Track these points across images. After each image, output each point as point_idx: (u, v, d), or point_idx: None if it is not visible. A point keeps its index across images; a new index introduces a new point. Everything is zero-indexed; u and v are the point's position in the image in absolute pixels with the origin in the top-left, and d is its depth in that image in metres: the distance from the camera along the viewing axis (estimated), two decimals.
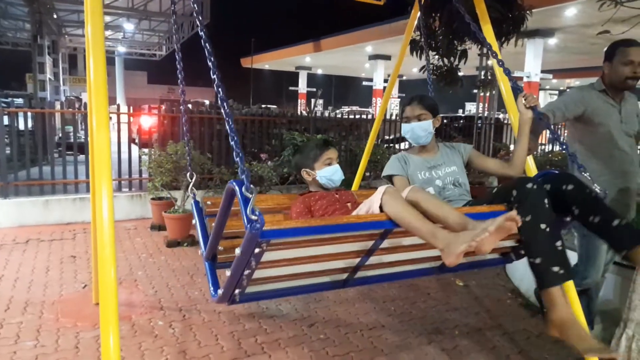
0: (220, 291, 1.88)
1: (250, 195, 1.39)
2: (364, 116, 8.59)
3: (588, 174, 2.23)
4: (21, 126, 5.89)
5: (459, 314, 3.56)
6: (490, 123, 9.77)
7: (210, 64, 1.73)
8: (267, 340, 3.04)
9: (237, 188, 1.42)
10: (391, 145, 8.54)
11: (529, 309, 3.68)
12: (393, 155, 2.59)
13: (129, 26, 17.79)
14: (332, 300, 3.70)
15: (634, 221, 3.08)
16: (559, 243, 1.88)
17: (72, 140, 6.61)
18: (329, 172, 2.28)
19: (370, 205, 1.83)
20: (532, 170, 2.63)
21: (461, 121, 11.32)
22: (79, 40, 20.06)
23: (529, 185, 1.86)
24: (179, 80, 2.56)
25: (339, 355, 2.90)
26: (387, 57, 23.99)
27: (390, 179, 2.52)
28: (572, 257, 3.00)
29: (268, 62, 33.93)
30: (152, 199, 5.57)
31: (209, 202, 2.24)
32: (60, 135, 6.67)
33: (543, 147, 10.95)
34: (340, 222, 1.68)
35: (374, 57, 24.46)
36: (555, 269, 1.82)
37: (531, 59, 16.76)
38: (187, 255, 4.64)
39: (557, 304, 1.81)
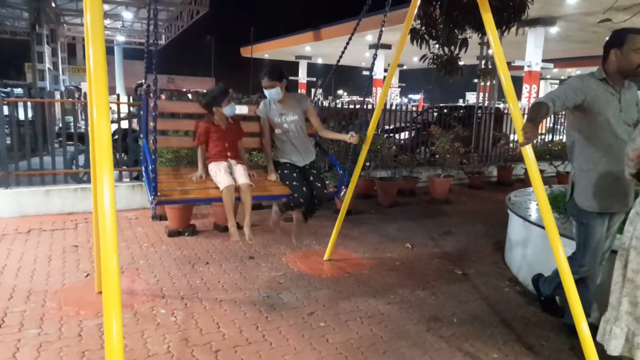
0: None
1: (152, 202, 3.01)
2: (364, 106, 8.55)
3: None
4: (21, 116, 5.89)
5: (457, 302, 3.60)
6: (490, 112, 9.75)
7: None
8: (267, 327, 3.08)
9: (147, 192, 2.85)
10: (391, 135, 8.53)
11: (527, 296, 3.72)
12: (264, 100, 3.72)
13: (127, 15, 17.67)
14: (332, 289, 3.74)
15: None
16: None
17: (72, 130, 6.60)
18: (228, 110, 3.46)
19: (220, 182, 3.29)
20: (530, 158, 2.64)
21: (461, 111, 11.29)
22: (78, 29, 19.94)
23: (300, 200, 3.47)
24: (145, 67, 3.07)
25: (339, 342, 2.93)
26: (387, 47, 23.84)
27: (259, 117, 3.72)
28: (571, 245, 3.03)
29: (268, 51, 33.73)
30: None
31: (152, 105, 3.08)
32: (60, 125, 6.66)
33: (543, 136, 10.94)
34: (200, 197, 3.37)
35: (374, 46, 24.27)
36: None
37: (532, 47, 16.65)
38: (188, 245, 4.67)
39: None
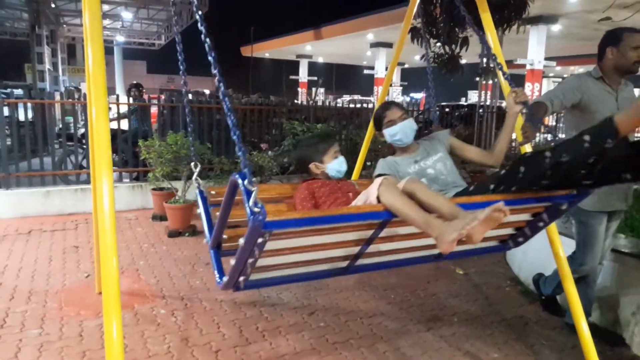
0: (225, 278, 1.93)
1: (253, 188, 1.44)
2: (364, 105, 8.57)
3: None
4: (21, 117, 5.89)
5: (457, 301, 3.60)
6: (492, 111, 9.74)
7: (211, 58, 1.72)
8: (268, 327, 3.08)
9: (240, 181, 1.46)
10: None
11: (528, 296, 3.71)
12: (381, 159, 2.56)
13: (127, 15, 17.66)
14: (332, 289, 3.73)
15: (632, 208, 3.10)
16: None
17: (72, 130, 6.61)
18: (338, 164, 2.38)
19: (367, 196, 1.89)
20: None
21: (463, 109, 11.28)
22: (78, 29, 19.94)
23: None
24: (180, 72, 2.55)
25: (339, 342, 2.93)
26: (388, 45, 23.83)
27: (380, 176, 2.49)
28: (570, 244, 3.02)
29: (268, 50, 33.71)
30: (153, 189, 5.59)
31: (212, 192, 2.30)
32: (60, 126, 6.67)
33: (544, 135, 10.92)
34: (339, 212, 1.75)
35: (376, 44, 24.28)
36: None
37: (534, 45, 16.60)
38: (188, 245, 4.67)
39: None
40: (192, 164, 2.56)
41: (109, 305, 1.70)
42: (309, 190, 2.27)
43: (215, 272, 2.07)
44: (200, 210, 2.27)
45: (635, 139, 1.75)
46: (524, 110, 2.42)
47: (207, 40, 1.76)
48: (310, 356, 2.76)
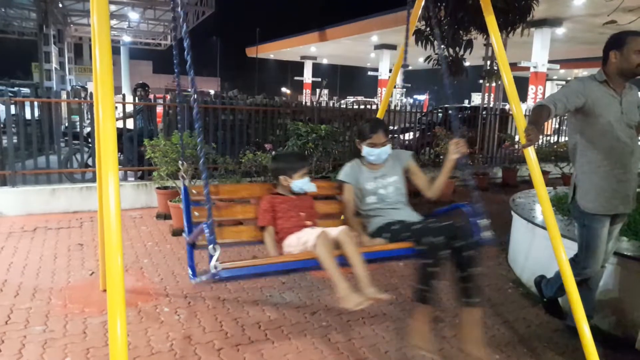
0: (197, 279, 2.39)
1: (215, 253, 2.02)
2: (368, 106, 8.59)
3: None
4: (28, 116, 5.94)
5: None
6: (495, 114, 9.73)
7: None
8: (270, 327, 3.10)
9: (209, 243, 2.05)
10: (395, 136, 8.53)
11: (530, 298, 3.71)
12: (348, 164, 2.95)
13: (133, 15, 17.75)
14: (334, 289, 3.74)
15: (635, 211, 3.10)
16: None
17: (78, 129, 6.65)
18: (302, 184, 2.72)
19: (307, 240, 2.40)
20: (532, 160, 2.64)
21: (467, 112, 11.26)
22: (85, 29, 20.05)
23: (432, 240, 2.45)
24: (188, 74, 2.59)
25: (341, 342, 2.95)
26: (392, 47, 23.86)
27: (341, 183, 2.93)
28: (573, 247, 3.03)
29: (273, 51, 33.80)
30: (158, 188, 5.62)
31: (194, 191, 2.64)
32: (66, 124, 6.71)
33: (548, 138, 10.90)
34: (279, 260, 2.33)
35: (380, 46, 24.31)
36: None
37: (538, 49, 16.60)
38: (199, 245, 4.69)
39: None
40: (180, 162, 2.84)
41: (114, 303, 1.71)
42: (270, 204, 2.67)
43: (189, 269, 2.50)
44: (183, 207, 2.62)
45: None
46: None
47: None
48: (312, 355, 2.78)
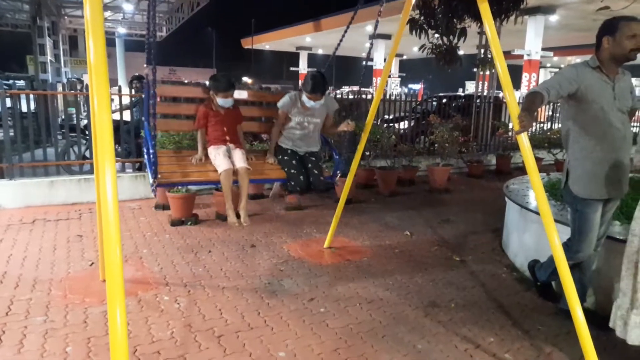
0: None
1: (152, 184, 3.15)
2: (363, 96, 8.59)
3: None
4: (24, 109, 5.94)
5: (455, 288, 3.66)
6: (489, 102, 9.75)
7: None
8: (269, 313, 3.14)
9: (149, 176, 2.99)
10: (391, 125, 8.55)
11: (524, 283, 3.77)
12: (289, 93, 3.75)
13: (128, 7, 17.62)
14: (332, 276, 3.80)
15: (627, 196, 3.15)
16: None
17: (74, 122, 6.63)
18: (222, 102, 3.54)
19: (219, 165, 3.42)
20: (525, 146, 2.67)
21: (461, 100, 11.28)
22: (79, 21, 19.90)
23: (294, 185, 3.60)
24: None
25: (339, 327, 3.00)
26: (387, 37, 23.74)
27: (279, 108, 3.75)
28: (566, 231, 3.07)
29: (268, 42, 33.59)
30: None
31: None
32: (63, 117, 6.71)
33: (541, 125, 10.94)
34: (195, 180, 3.49)
35: (374, 36, 24.16)
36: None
37: (532, 36, 16.55)
38: (190, 234, 4.74)
39: None
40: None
41: (113, 293, 1.73)
42: (204, 113, 3.57)
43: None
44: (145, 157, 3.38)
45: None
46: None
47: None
48: (310, 341, 2.83)
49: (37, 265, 3.82)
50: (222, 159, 3.43)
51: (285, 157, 3.69)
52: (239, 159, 3.48)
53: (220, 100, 3.53)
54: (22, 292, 3.32)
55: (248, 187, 3.54)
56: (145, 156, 3.40)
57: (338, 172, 3.87)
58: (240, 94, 3.72)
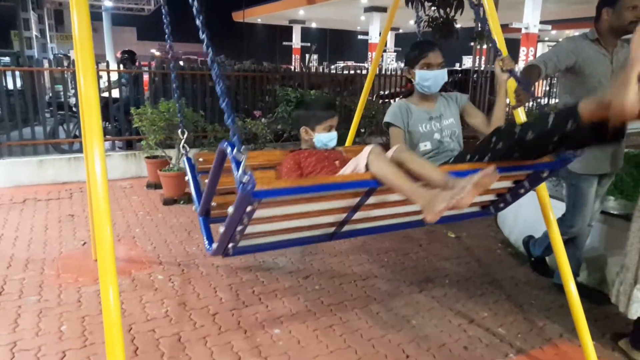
0: (214, 245, 1.95)
1: (242, 158, 1.43)
2: (358, 71, 8.48)
3: None
4: (10, 86, 5.80)
5: (449, 264, 3.67)
6: (486, 76, 9.67)
7: (198, 22, 1.71)
8: (264, 291, 3.14)
9: (228, 150, 1.45)
10: (386, 100, 8.47)
11: (518, 258, 3.80)
12: (395, 102, 2.54)
13: None
14: (327, 253, 3.80)
15: (622, 171, 3.14)
16: None
17: (62, 99, 6.51)
18: (327, 138, 2.31)
19: (356, 164, 1.85)
20: (521, 121, 2.63)
21: (458, 75, 11.18)
22: None
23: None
24: (166, 36, 2.49)
25: (334, 303, 3.01)
26: (383, 9, 23.35)
27: (388, 126, 2.51)
28: (560, 207, 3.07)
29: (260, 16, 32.98)
30: (147, 157, 5.57)
31: (200, 159, 2.29)
32: (50, 94, 6.57)
33: (538, 100, 10.88)
34: (328, 181, 1.77)
35: (370, 9, 23.78)
36: None
37: (530, 9, 16.34)
38: (183, 213, 4.70)
39: None
40: (179, 131, 2.50)
41: (105, 272, 1.71)
42: (294, 161, 2.22)
43: (205, 239, 2.10)
44: (189, 177, 2.27)
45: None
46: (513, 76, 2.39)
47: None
48: (305, 317, 2.83)
49: (29, 245, 3.78)
50: (352, 162, 1.93)
51: None
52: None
53: (322, 138, 2.30)
54: (14, 272, 3.29)
55: (427, 163, 1.90)
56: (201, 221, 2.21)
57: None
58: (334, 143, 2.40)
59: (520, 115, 2.64)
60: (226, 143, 1.48)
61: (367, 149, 1.81)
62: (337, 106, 2.21)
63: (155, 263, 3.53)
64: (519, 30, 16.80)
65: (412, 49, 2.51)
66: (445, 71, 2.44)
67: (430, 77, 2.40)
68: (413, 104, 2.51)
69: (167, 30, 2.43)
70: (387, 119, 2.49)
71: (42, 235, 4.00)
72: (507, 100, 2.50)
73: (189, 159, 2.33)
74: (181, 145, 2.47)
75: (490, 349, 2.60)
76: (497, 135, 1.94)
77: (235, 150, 1.43)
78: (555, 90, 10.96)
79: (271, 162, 2.42)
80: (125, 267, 3.40)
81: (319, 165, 2.18)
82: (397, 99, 2.42)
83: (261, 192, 1.50)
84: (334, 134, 2.33)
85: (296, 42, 32.89)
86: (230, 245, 1.90)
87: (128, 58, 6.91)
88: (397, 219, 2.25)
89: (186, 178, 2.31)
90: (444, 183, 1.72)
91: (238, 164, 1.42)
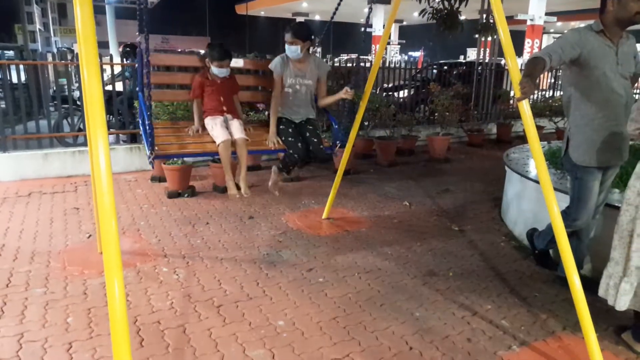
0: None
1: (149, 156, 3.01)
2: (362, 64, 8.44)
3: None
4: (14, 79, 5.81)
5: (453, 257, 3.67)
6: (491, 69, 9.60)
7: None
8: (268, 283, 3.16)
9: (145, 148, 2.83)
10: (390, 93, 8.44)
11: (522, 251, 3.79)
12: (280, 56, 3.58)
13: None
14: (331, 246, 3.81)
15: (627, 163, 3.12)
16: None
17: (66, 93, 6.51)
18: (216, 71, 3.40)
19: (216, 136, 3.30)
20: (526, 113, 2.62)
21: (462, 67, 11.11)
22: None
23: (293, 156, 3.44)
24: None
25: (337, 296, 3.02)
26: (386, 1, 23.17)
27: (271, 72, 3.59)
28: (565, 199, 3.06)
29: (264, 8, 32.79)
30: None
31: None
32: (54, 88, 6.59)
33: (543, 92, 10.82)
34: (194, 151, 3.39)
35: (373, 0, 23.62)
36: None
37: (535, 1, 16.20)
38: (188, 206, 4.72)
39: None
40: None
41: (110, 264, 1.72)
42: (199, 83, 3.45)
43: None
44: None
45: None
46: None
47: None
48: (309, 309, 2.85)
49: (35, 237, 3.81)
50: (219, 129, 3.32)
51: (282, 127, 3.55)
52: (237, 129, 3.37)
53: (215, 70, 3.41)
54: (21, 265, 3.32)
55: (247, 158, 3.44)
56: (141, 128, 3.31)
57: (337, 142, 3.74)
58: (236, 63, 3.59)
59: (525, 108, 2.62)
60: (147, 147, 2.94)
61: (223, 136, 3.27)
62: (229, 55, 3.44)
63: (160, 256, 3.55)
64: (524, 22, 16.67)
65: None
66: (295, 47, 3.47)
67: (287, 51, 3.53)
68: (291, 61, 3.57)
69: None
70: (271, 66, 3.58)
71: (48, 228, 4.03)
72: (512, 94, 2.49)
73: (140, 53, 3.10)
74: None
75: (493, 341, 2.60)
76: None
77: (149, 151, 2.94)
78: (559, 82, 10.88)
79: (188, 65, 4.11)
80: (130, 260, 3.43)
81: (211, 96, 3.45)
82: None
83: (160, 157, 3.25)
84: (223, 70, 3.40)
85: None
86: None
87: (130, 51, 6.90)
88: None
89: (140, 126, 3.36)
90: (240, 178, 3.44)
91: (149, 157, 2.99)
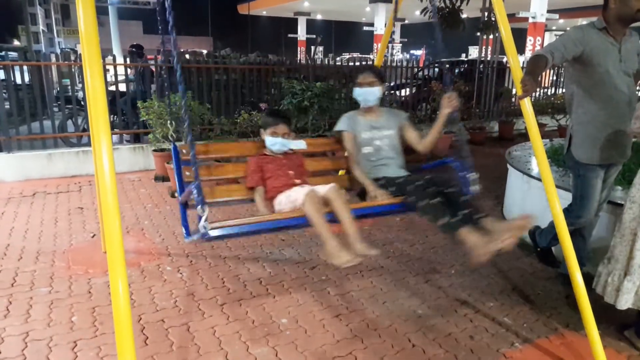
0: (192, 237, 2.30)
1: (203, 214, 2.02)
2: (364, 63, 8.44)
3: None
4: (17, 80, 5.84)
5: (455, 255, 3.68)
6: (493, 67, 9.58)
7: None
8: (271, 282, 3.17)
9: (197, 204, 2.03)
10: (392, 92, 8.43)
11: (524, 249, 3.79)
12: (345, 115, 2.99)
13: None
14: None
15: (630, 160, 3.12)
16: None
17: (70, 93, 6.54)
18: (269, 142, 2.72)
19: (296, 198, 2.40)
20: (528, 111, 2.62)
21: (464, 65, 11.09)
22: None
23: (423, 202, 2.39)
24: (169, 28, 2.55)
25: (340, 294, 3.03)
26: (388, 0, 23.17)
27: (340, 132, 2.96)
28: (567, 197, 3.06)
29: (266, 8, 32.83)
30: (154, 150, 5.61)
31: (184, 151, 2.56)
32: (58, 88, 6.61)
33: (545, 90, 10.80)
34: (266, 219, 2.30)
35: None
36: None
37: None
38: (191, 205, 4.73)
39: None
40: (168, 122, 2.76)
41: (114, 263, 1.74)
42: (257, 165, 2.68)
43: (183, 228, 2.44)
44: (174, 167, 2.54)
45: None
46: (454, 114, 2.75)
47: None
48: (312, 307, 2.86)
49: (40, 237, 3.84)
50: (298, 190, 2.48)
51: (383, 182, 2.76)
52: (321, 187, 2.42)
53: (267, 141, 2.69)
54: (26, 264, 3.34)
55: (347, 211, 2.33)
56: (180, 207, 2.56)
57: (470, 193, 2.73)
58: (297, 145, 2.77)
59: (527, 106, 2.63)
60: (194, 190, 2.04)
61: (306, 189, 2.35)
62: (284, 118, 2.73)
63: (164, 254, 3.57)
64: (526, 19, 16.60)
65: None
66: (376, 88, 2.88)
67: (360, 93, 2.91)
68: (359, 115, 2.97)
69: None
70: (338, 127, 2.97)
71: (52, 227, 4.05)
72: (514, 91, 2.50)
73: (175, 147, 2.55)
74: (169, 135, 2.72)
75: (496, 338, 2.61)
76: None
77: (199, 207, 2.03)
78: (561, 80, 10.85)
79: (242, 154, 2.91)
80: (134, 259, 3.45)
81: (276, 172, 2.66)
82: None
83: (214, 237, 2.17)
84: (275, 139, 2.69)
85: (301, 34, 32.73)
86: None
87: (135, 52, 6.93)
88: None
89: (172, 166, 2.59)
90: (348, 236, 2.28)
91: (200, 217, 2.03)
